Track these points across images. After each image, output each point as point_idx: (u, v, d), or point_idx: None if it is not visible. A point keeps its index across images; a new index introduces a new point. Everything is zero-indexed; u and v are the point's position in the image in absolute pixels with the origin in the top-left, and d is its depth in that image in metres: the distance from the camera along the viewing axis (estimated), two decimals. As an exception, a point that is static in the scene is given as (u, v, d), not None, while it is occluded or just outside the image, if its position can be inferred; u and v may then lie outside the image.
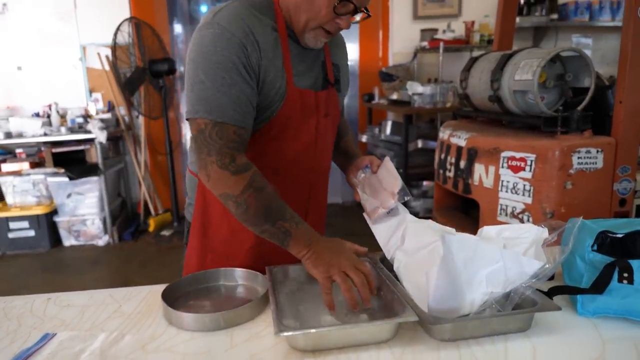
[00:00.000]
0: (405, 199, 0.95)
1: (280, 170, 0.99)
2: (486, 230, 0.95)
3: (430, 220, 0.97)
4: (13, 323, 0.86)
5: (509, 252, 0.81)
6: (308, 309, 0.85)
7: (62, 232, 3.63)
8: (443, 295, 0.77)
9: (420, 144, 3.58)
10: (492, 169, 1.90)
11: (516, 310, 0.77)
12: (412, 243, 0.92)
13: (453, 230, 0.93)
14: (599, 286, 0.76)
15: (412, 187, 3.64)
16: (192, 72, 0.85)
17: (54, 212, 3.61)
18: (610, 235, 0.78)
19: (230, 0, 0.90)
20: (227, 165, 0.85)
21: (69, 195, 3.59)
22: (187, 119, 0.88)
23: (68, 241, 3.65)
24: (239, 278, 0.98)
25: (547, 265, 0.79)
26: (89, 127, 3.60)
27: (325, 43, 1.00)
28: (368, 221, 1.02)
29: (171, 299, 0.89)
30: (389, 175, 0.97)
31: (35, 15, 3.85)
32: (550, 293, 0.83)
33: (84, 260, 3.40)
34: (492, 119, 2.24)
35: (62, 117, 3.81)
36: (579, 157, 1.72)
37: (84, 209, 3.63)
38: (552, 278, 0.94)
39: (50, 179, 3.54)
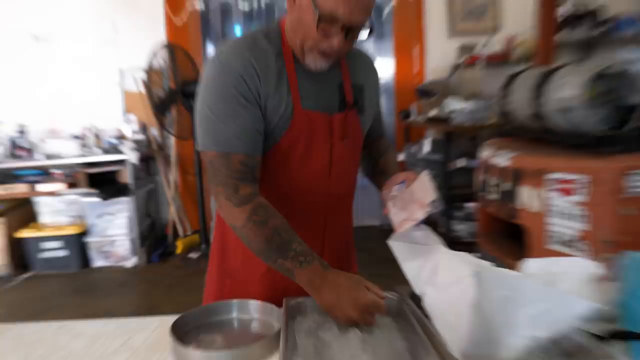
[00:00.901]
0: (436, 210, 0.93)
1: (290, 196, 1.00)
2: (530, 264, 0.89)
3: (464, 253, 0.91)
4: (21, 353, 0.86)
5: (555, 290, 0.76)
6: (327, 347, 0.81)
7: (92, 253, 3.76)
8: (478, 340, 0.72)
9: (462, 162, 3.51)
10: (538, 191, 1.82)
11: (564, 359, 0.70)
12: (444, 277, 0.87)
13: (490, 265, 0.87)
14: (664, 334, 0.67)
15: (454, 210, 3.55)
16: (200, 107, 0.93)
17: (85, 232, 3.75)
18: (676, 274, 0.69)
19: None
20: (230, 196, 0.90)
21: (100, 216, 3.72)
22: (200, 152, 0.94)
23: (98, 262, 3.76)
24: (254, 311, 0.95)
25: (600, 306, 0.72)
26: (122, 148, 3.74)
27: (343, 63, 1.02)
28: (393, 250, 0.97)
29: (181, 332, 0.87)
30: (424, 188, 0.95)
31: (78, 41, 4.12)
32: (605, 338, 0.75)
33: (111, 282, 3.49)
34: (536, 138, 2.15)
35: (98, 138, 3.99)
36: (638, 179, 1.60)
37: (114, 229, 3.75)
38: (609, 321, 0.85)
39: (84, 199, 3.69)
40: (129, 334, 0.92)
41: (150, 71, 3.74)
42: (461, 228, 3.50)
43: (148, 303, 3.10)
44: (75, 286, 3.44)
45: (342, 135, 1.00)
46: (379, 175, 1.12)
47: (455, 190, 3.44)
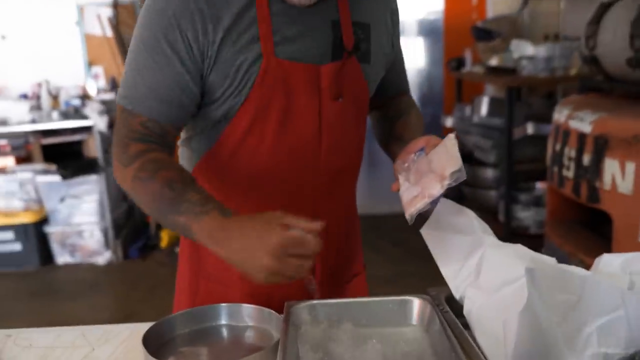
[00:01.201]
0: (457, 183, 0.91)
1: (267, 174, 1.01)
2: (606, 260, 0.90)
3: (519, 245, 0.92)
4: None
5: (636, 294, 0.76)
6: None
7: (55, 246, 3.89)
8: (529, 356, 0.73)
9: (531, 129, 3.48)
10: (630, 166, 1.82)
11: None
12: (491, 277, 0.87)
13: (552, 260, 0.87)
14: None
15: (520, 192, 3.53)
16: (129, 49, 0.97)
17: (44, 220, 3.87)
18: None
19: None
20: (120, 157, 0.95)
21: (62, 200, 3.83)
22: None
23: (61, 258, 3.90)
24: (248, 317, 0.98)
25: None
26: (87, 110, 3.81)
27: None
28: (426, 241, 0.98)
29: (157, 343, 0.91)
30: (446, 155, 0.93)
31: (22, -31, 4.16)
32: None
33: (79, 283, 3.62)
34: (633, 93, 2.12)
35: (54, 98, 4.06)
36: None
37: (81, 216, 3.86)
38: None
39: (40, 178, 3.80)
40: (92, 346, 0.96)
41: (117, 6, 3.76)
42: (526, 216, 3.47)
43: (125, 309, 3.21)
44: (32, 288, 3.58)
45: (336, 93, 1.00)
46: (395, 141, 1.11)
47: (520, 166, 3.40)
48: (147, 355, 0.85)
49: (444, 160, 0.93)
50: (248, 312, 0.99)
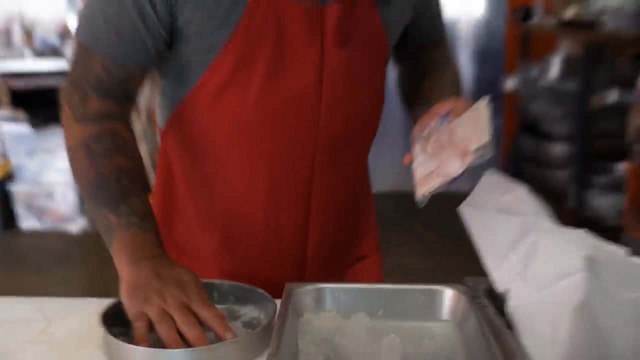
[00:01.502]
0: (484, 160, 0.90)
1: (249, 133, 1.01)
2: None
3: (582, 231, 0.91)
4: None
5: None
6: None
7: (19, 209, 3.97)
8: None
9: (614, 96, 3.45)
10: None
11: None
12: (543, 267, 0.86)
13: (622, 251, 0.86)
14: None
15: (596, 174, 3.52)
16: None
17: (8, 177, 3.95)
18: None
19: None
20: (74, 105, 1.00)
21: (30, 153, 3.89)
22: None
23: (27, 222, 3.99)
24: (234, 297, 0.99)
25: None
26: (67, 50, 3.83)
27: None
28: (466, 221, 0.97)
29: (121, 321, 0.91)
30: (473, 124, 0.93)
31: None
32: None
33: (46, 253, 3.69)
34: None
35: (28, 34, 4.10)
36: None
37: (52, 174, 3.92)
38: None
39: (6, 127, 3.87)
40: (49, 320, 0.97)
41: None
42: (602, 203, 3.46)
43: (98, 286, 3.25)
44: (-9, 256, 3.68)
45: (344, 38, 0.99)
46: (420, 102, 1.11)
47: (598, 142, 3.39)
48: (106, 334, 0.85)
49: (470, 131, 0.92)
50: (231, 290, 0.99)
